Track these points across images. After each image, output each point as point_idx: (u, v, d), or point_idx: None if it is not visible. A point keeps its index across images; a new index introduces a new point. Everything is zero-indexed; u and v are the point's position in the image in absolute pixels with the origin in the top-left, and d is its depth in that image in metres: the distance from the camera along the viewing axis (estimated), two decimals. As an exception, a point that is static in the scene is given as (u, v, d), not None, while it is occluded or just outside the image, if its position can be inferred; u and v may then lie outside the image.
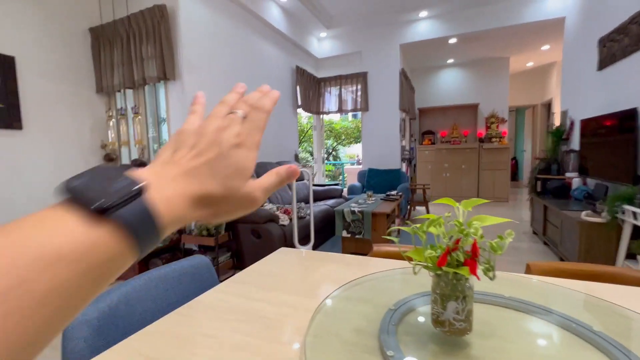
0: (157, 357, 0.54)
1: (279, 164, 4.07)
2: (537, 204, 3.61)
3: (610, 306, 0.65)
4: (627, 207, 2.12)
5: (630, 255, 2.22)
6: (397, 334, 0.55)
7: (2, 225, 0.16)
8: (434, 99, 6.79)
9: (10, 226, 0.16)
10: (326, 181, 6.46)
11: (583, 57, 3.49)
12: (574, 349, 0.53)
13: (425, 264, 0.50)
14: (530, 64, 6.80)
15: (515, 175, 8.21)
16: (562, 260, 2.85)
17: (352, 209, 3.05)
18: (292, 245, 2.64)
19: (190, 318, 0.66)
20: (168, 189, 0.22)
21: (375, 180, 4.94)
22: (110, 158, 3.06)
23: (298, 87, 4.76)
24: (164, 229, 0.21)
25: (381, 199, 3.56)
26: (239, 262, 2.77)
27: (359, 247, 3.08)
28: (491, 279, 0.47)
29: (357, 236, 3.03)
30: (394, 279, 0.82)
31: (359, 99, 5.32)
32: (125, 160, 3.23)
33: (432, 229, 0.52)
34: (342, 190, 4.44)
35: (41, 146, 2.59)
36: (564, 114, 4.17)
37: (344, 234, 3.08)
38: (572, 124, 3.80)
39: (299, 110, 5.06)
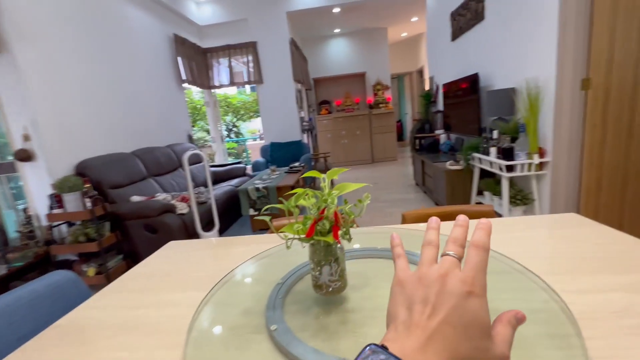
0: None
1: (170, 147, 3.66)
2: (416, 160, 4.22)
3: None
4: (475, 154, 2.65)
5: (480, 192, 2.83)
6: (283, 306, 0.58)
7: None
8: (326, 69, 7.00)
9: None
10: (229, 160, 6.16)
11: (441, 29, 4.05)
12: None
13: (298, 237, 0.52)
14: (404, 35, 7.57)
15: (401, 136, 9.34)
16: (437, 204, 3.44)
17: (256, 185, 3.01)
18: (196, 234, 2.48)
19: (42, 352, 0.55)
20: None
21: (279, 153, 4.94)
22: None
23: (180, 59, 4.25)
24: None
25: (285, 172, 3.61)
26: (136, 263, 2.47)
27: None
28: (348, 241, 0.52)
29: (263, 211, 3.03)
30: (288, 252, 0.85)
31: (251, 70, 5.09)
32: (-59, 164, 2.40)
33: (302, 202, 0.54)
34: (245, 168, 4.32)
35: None
36: (431, 80, 4.84)
37: (252, 212, 3.04)
38: (437, 88, 4.46)
39: (187, 85, 4.57)
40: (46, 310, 0.70)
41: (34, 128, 2.26)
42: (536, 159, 2.13)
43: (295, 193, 0.52)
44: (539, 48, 2.12)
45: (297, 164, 3.94)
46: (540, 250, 0.73)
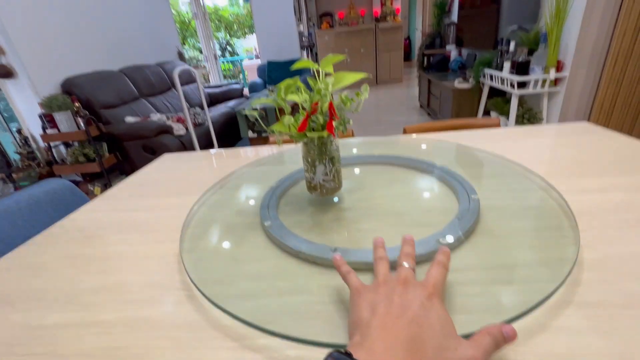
0: (7, 292, 0.46)
1: (160, 66, 3.42)
2: (423, 79, 3.97)
3: (455, 146, 0.77)
4: (486, 70, 2.46)
5: (487, 113, 2.72)
6: (278, 207, 0.57)
7: None
8: (328, -27, 6.12)
9: None
10: (224, 81, 5.84)
11: None
12: (421, 181, 0.63)
13: (289, 133, 0.48)
14: None
15: (408, 55, 8.66)
16: (440, 126, 3.36)
17: (254, 107, 2.89)
18: (195, 155, 2.47)
19: (48, 245, 0.57)
20: None
21: (277, 73, 4.64)
22: None
23: (159, -42, 3.67)
24: None
25: (284, 93, 3.44)
26: (140, 183, 2.53)
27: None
28: (343, 132, 0.48)
29: (264, 134, 2.98)
30: (283, 161, 0.83)
31: (242, -26, 4.45)
32: None
33: (293, 97, 0.49)
34: (242, 89, 4.11)
35: None
36: (448, -15, 4.24)
37: (250, 134, 2.98)
38: (453, -6, 3.93)
39: (170, -8, 4.05)
40: (46, 215, 0.72)
41: (6, 40, 2.06)
42: (552, 74, 1.98)
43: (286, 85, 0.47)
44: None
45: (296, 84, 3.73)
46: (548, 155, 0.70)
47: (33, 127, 2.30)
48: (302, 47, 5.06)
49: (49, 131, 2.17)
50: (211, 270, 0.43)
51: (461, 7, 3.50)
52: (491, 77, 2.42)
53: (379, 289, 0.28)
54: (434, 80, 3.33)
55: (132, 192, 0.76)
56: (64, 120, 2.14)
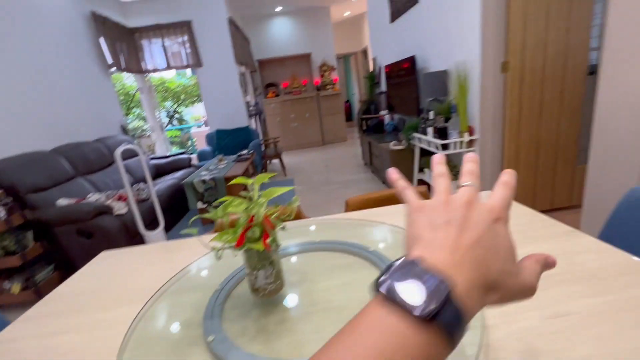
0: None
1: (101, 141, 3.32)
2: (364, 141, 4.35)
3: (386, 227, 0.86)
4: (415, 134, 2.81)
5: (421, 169, 3.03)
6: (223, 312, 0.58)
7: (341, 330, 0.20)
8: (271, 50, 6.76)
9: (347, 330, 0.20)
10: (173, 150, 5.77)
11: (381, 10, 4.11)
12: (358, 268, 0.68)
13: (229, 246, 0.52)
14: (347, 14, 7.54)
15: (350, 116, 9.51)
16: (384, 182, 3.62)
17: (203, 177, 2.88)
18: (139, 234, 2.32)
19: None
20: (462, 281, 0.20)
21: (226, 141, 4.75)
22: None
23: (102, 40, 3.78)
24: (468, 323, 0.21)
25: (233, 161, 3.49)
26: (71, 273, 2.26)
27: (219, 214, 3.01)
28: (275, 249, 0.53)
29: (214, 205, 2.93)
30: (228, 253, 0.84)
31: (188, 51, 4.72)
32: None
33: (233, 209, 0.53)
34: (190, 159, 4.08)
35: None
36: (374, 60, 4.94)
37: (200, 205, 2.92)
38: (380, 69, 4.57)
39: (116, 71, 4.10)
40: (-51, 350, 0.62)
41: None
42: (466, 137, 2.32)
43: (226, 201, 0.51)
44: (465, 33, 2.27)
45: (245, 151, 3.83)
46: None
47: (-62, 220, 2.01)
48: (250, 116, 5.31)
49: (-41, 225, 1.91)
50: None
51: (388, 77, 4.06)
52: (419, 139, 2.76)
53: (442, 208, 0.25)
54: (373, 142, 3.67)
55: (59, 307, 0.70)
56: (-20, 211, 1.91)
